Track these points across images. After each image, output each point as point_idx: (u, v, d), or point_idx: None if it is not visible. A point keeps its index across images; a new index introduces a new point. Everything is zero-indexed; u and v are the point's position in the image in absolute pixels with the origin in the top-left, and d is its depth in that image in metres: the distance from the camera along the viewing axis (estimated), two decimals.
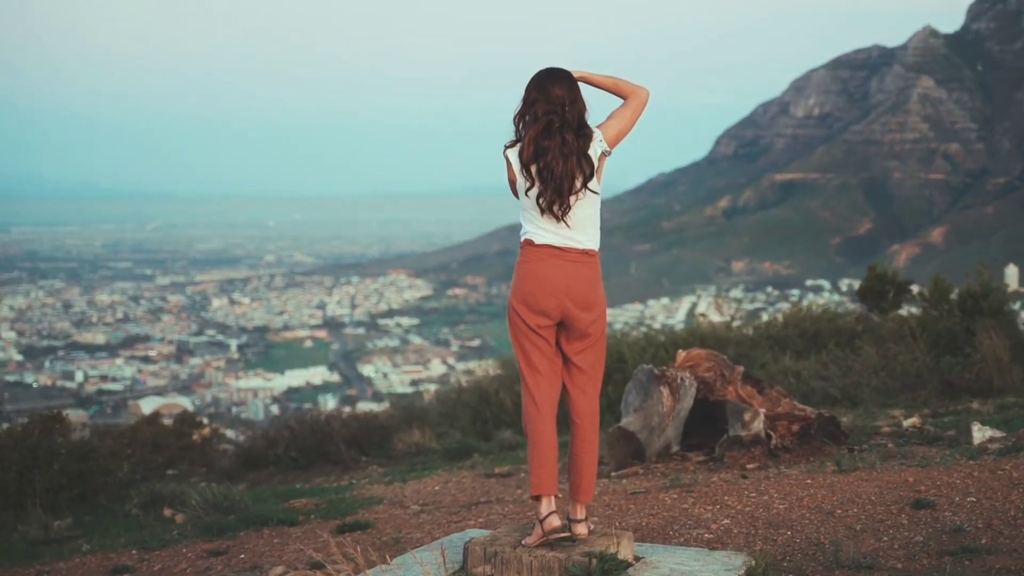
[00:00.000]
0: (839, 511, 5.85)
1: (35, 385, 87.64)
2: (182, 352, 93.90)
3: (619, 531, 4.74)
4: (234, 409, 62.54)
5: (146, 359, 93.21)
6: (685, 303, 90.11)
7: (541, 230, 4.58)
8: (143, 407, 78.90)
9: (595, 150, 4.55)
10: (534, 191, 4.53)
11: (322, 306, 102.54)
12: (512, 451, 10.73)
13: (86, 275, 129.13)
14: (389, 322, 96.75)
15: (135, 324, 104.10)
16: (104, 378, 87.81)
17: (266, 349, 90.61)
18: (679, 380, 8.48)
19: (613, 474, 8.17)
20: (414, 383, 63.72)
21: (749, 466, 7.84)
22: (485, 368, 16.00)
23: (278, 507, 8.29)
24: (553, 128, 4.49)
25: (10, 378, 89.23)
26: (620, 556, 4.50)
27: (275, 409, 56.15)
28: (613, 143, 4.60)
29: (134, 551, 7.21)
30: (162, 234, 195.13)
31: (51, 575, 7.06)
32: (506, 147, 4.62)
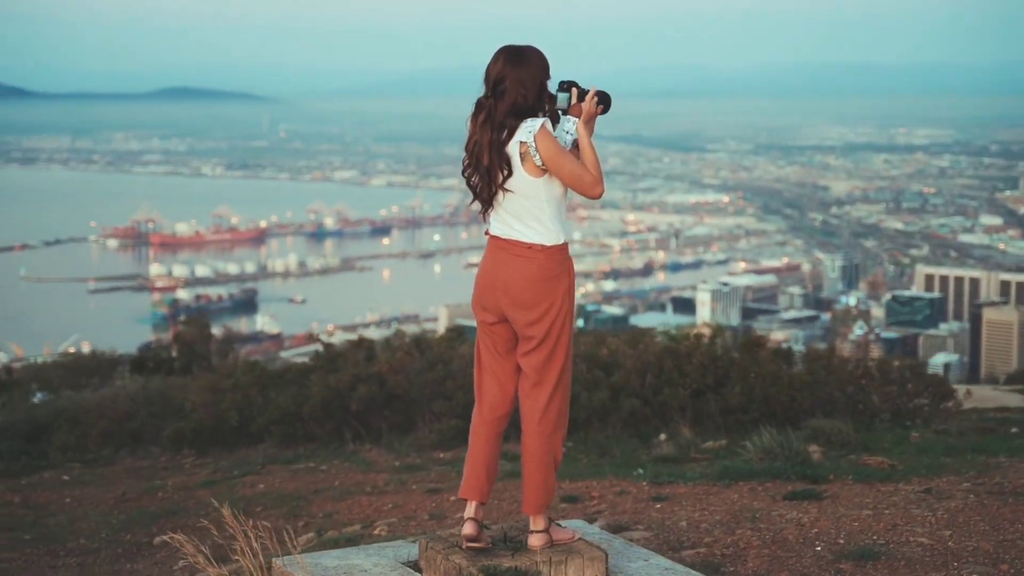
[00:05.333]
0: None
1: None
2: None
3: (588, 548, 4.36)
4: None
5: None
6: None
7: (494, 220, 4.37)
8: None
9: (515, 141, 4.23)
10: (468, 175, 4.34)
11: None
12: None
13: None
14: None
15: None
16: None
17: None
18: None
19: None
20: None
21: None
22: None
23: (845, 463, 7.68)
24: (480, 111, 4.28)
25: None
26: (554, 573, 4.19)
27: None
28: (547, 161, 4.21)
29: (661, 484, 7.41)
30: None
31: (585, 489, 7.54)
32: None
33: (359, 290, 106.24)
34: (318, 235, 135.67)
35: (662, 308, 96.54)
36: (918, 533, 5.59)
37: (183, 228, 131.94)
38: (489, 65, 4.28)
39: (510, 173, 4.24)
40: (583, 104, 4.34)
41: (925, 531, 5.62)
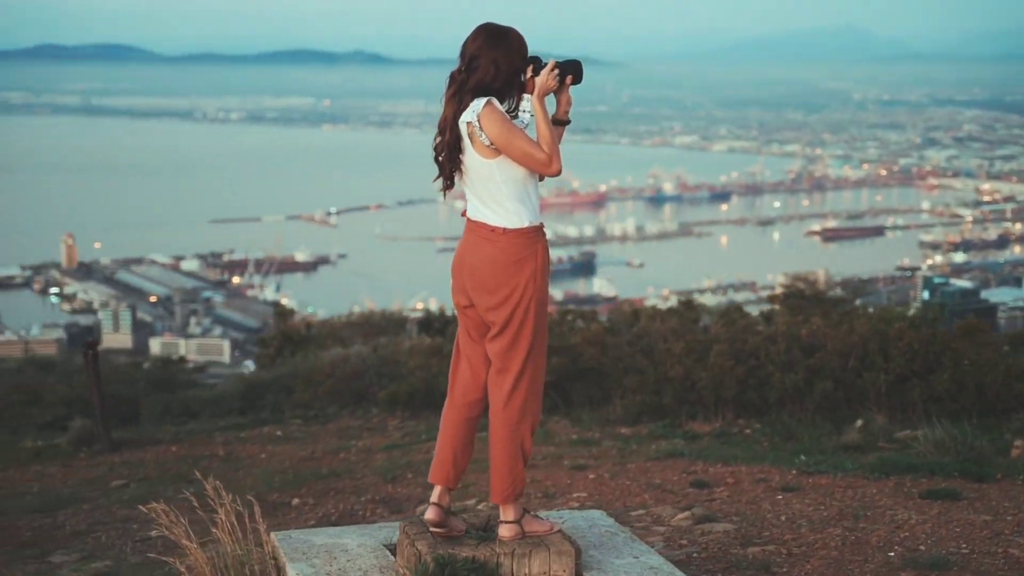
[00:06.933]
0: None
1: None
2: None
3: (560, 542, 4.23)
4: None
5: None
6: None
7: (467, 201, 4.29)
8: None
9: (462, 120, 4.15)
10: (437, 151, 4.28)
11: None
12: None
13: None
14: None
15: None
16: None
17: None
18: None
19: None
20: None
21: None
22: None
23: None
24: (452, 84, 4.19)
25: None
26: (521, 570, 4.12)
27: None
28: (495, 140, 4.09)
29: (810, 473, 7.05)
30: None
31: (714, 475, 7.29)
32: None
33: (696, 256, 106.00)
34: (657, 200, 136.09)
35: (1017, 283, 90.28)
36: (1018, 545, 5.23)
37: None
38: (467, 40, 4.20)
39: (460, 151, 4.19)
40: (537, 79, 4.17)
41: None
